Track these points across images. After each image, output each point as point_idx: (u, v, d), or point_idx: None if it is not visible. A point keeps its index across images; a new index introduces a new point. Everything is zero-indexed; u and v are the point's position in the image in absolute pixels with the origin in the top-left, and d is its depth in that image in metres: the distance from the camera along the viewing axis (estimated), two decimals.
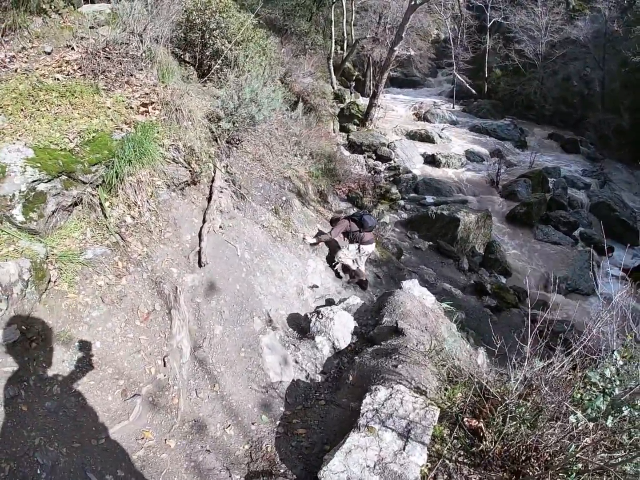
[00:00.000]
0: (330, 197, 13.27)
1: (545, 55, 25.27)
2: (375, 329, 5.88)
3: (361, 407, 3.67)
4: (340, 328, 5.86)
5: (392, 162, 18.33)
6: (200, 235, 6.05)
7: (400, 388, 3.85)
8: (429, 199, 16.29)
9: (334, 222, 8.77)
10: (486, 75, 27.41)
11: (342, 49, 25.34)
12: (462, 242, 13.15)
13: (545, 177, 17.90)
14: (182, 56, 9.24)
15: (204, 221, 6.32)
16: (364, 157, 18.55)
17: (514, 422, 3.30)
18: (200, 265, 5.68)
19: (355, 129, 20.28)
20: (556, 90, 24.95)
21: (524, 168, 19.24)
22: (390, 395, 3.77)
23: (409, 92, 28.23)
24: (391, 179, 17.11)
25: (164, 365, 4.42)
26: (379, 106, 20.98)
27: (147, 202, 5.49)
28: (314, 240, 8.48)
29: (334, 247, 8.93)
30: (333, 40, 22.91)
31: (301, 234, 8.39)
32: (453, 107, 25.62)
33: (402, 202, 15.64)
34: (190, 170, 6.47)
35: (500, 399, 3.52)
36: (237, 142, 8.25)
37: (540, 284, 13.35)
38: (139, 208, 5.33)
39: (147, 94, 6.41)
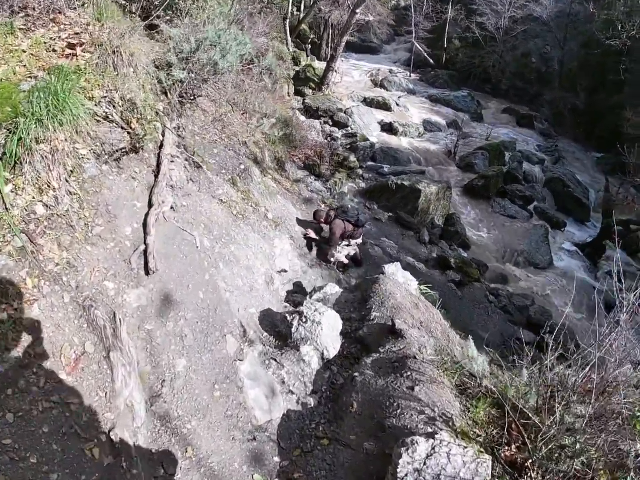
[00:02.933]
0: (288, 165, 12.33)
1: (506, 30, 24.65)
2: (364, 327, 4.98)
3: (398, 469, 2.80)
4: (329, 333, 4.84)
5: (349, 128, 17.36)
6: (145, 225, 4.56)
7: (444, 437, 3.00)
8: (386, 168, 15.56)
9: (318, 216, 8.36)
10: (445, 46, 26.66)
11: (298, 10, 23.74)
12: (422, 214, 12.53)
13: (502, 150, 17.51)
14: (128, 7, 7.77)
15: (149, 205, 4.81)
16: (320, 123, 17.45)
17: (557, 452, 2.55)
18: (147, 273, 4.23)
19: (310, 93, 19.06)
20: (514, 65, 24.59)
21: (481, 140, 18.77)
22: (434, 449, 2.91)
23: (365, 58, 27.02)
24: (348, 146, 16.14)
25: (111, 441, 2.95)
26: (336, 70, 19.78)
27: (67, 181, 3.89)
28: (315, 237, 8.30)
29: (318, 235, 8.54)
30: (290, 0, 21.30)
31: (262, 207, 7.39)
32: (410, 76, 24.75)
33: (360, 171, 14.80)
34: (129, 132, 4.93)
35: (539, 425, 2.74)
36: (191, 97, 6.87)
37: (499, 257, 13.01)
38: (54, 191, 3.73)
39: (77, 33, 5.04)
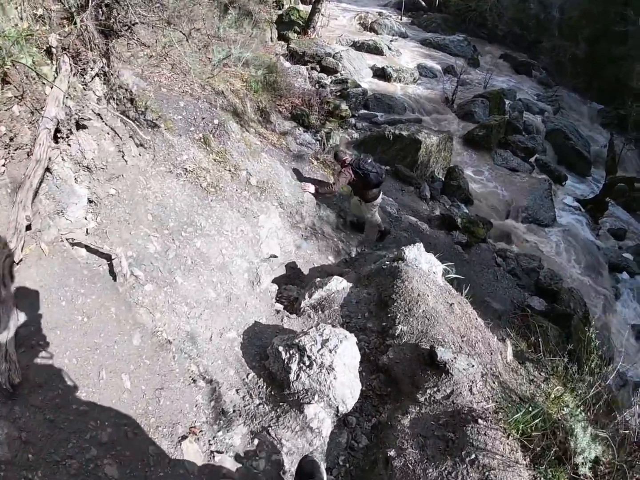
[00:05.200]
0: (273, 116, 10.66)
1: None
2: (389, 349, 3.49)
3: None
4: (346, 378, 3.24)
5: (338, 74, 15.58)
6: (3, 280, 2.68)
7: None
8: (381, 116, 13.94)
9: (339, 156, 7.19)
10: None
11: None
12: (422, 167, 11.09)
13: (502, 98, 15.96)
14: None
15: (15, 227, 2.86)
16: (307, 69, 15.58)
17: None
18: (13, 386, 2.53)
19: (295, 38, 17.09)
20: (512, 10, 22.54)
21: (479, 88, 17.16)
22: None
23: (352, 1, 24.62)
24: (338, 93, 14.48)
25: None
26: (322, 13, 17.75)
27: None
28: (313, 191, 6.91)
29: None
30: None
31: (244, 171, 5.82)
32: (401, 19, 22.60)
33: (352, 120, 13.23)
34: None
35: None
36: (124, 25, 4.33)
37: (503, 213, 11.77)
38: None
39: None
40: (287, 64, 15.38)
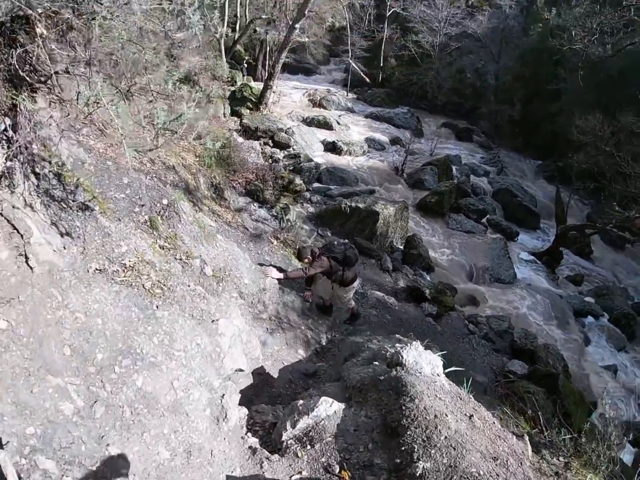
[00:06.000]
0: (227, 192, 10.22)
1: (442, 47, 24.31)
2: None
3: None
4: None
5: (291, 149, 15.71)
6: None
7: None
8: (335, 189, 13.86)
9: (303, 255, 6.54)
10: (381, 65, 25.73)
11: (233, 30, 21.91)
12: (382, 238, 10.92)
13: (449, 165, 16.42)
14: None
15: None
16: (260, 144, 15.63)
17: None
18: None
19: (248, 113, 17.25)
20: (450, 81, 24.01)
21: (426, 156, 17.67)
22: None
23: (301, 79, 25.60)
24: (292, 168, 14.41)
25: None
26: (274, 90, 18.13)
27: None
28: (280, 276, 6.33)
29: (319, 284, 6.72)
30: (226, 21, 19.42)
31: (197, 259, 5.17)
32: (347, 95, 23.48)
33: (307, 194, 13.01)
34: None
35: None
36: (42, 76, 3.00)
37: (464, 276, 11.65)
38: None
39: None
40: (240, 139, 15.31)
